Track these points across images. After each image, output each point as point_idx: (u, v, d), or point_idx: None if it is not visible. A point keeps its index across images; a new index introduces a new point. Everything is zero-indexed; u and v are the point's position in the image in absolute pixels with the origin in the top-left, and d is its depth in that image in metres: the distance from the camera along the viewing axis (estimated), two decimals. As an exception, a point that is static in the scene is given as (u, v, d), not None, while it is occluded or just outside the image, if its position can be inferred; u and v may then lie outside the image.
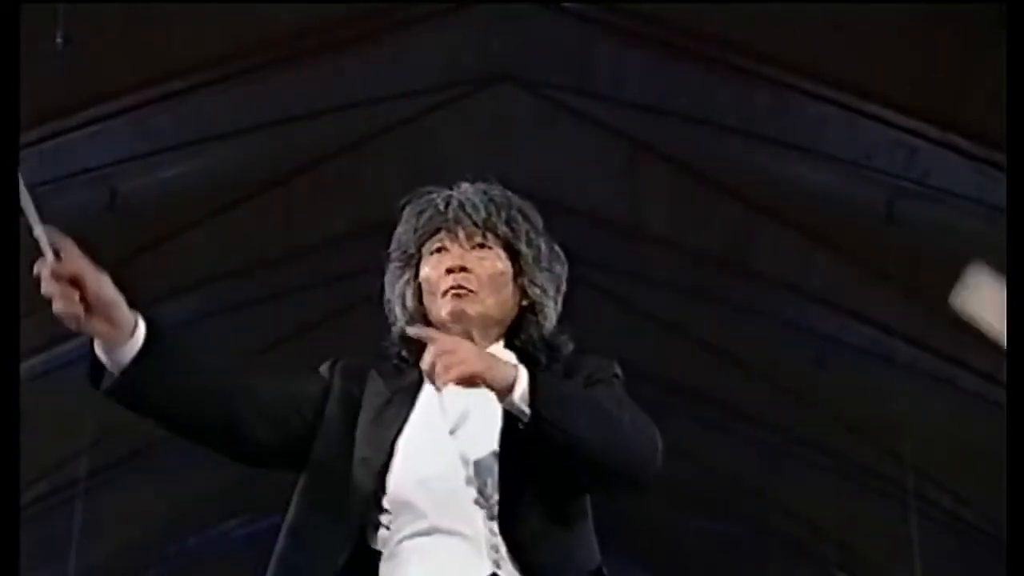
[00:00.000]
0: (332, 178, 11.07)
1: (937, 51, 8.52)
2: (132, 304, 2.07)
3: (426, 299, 2.37)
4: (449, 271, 2.33)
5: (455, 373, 2.06)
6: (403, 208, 2.46)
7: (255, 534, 17.57)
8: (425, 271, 2.37)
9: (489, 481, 2.19)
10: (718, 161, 10.75)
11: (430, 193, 2.42)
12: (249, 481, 15.84)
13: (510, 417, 2.16)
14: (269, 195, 11.01)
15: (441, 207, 2.38)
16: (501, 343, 2.36)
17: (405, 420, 2.25)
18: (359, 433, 2.25)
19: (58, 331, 12.46)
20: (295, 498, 2.30)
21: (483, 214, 2.36)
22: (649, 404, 2.34)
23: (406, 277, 2.40)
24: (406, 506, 2.18)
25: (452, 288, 2.32)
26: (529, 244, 2.38)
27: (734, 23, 8.92)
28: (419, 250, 2.40)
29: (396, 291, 2.41)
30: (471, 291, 2.32)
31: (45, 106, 8.37)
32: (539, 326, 2.37)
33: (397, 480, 2.19)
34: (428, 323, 2.35)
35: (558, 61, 10.18)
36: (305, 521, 2.24)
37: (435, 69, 10.25)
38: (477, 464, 2.20)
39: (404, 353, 2.36)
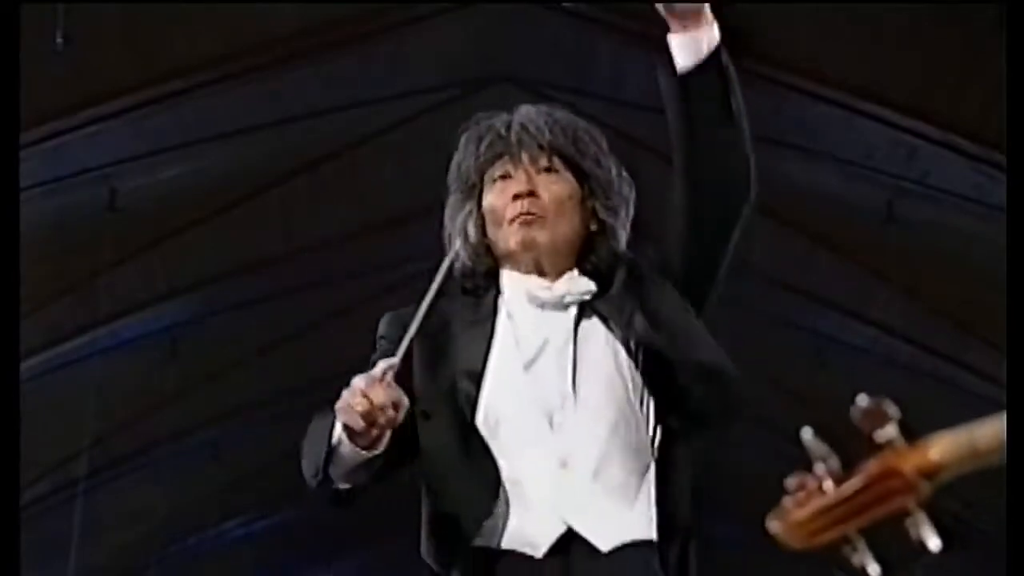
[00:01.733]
0: (332, 178, 11.07)
1: (937, 51, 8.52)
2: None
3: (490, 230, 2.25)
4: (516, 197, 2.20)
5: None
6: (461, 135, 2.32)
7: (255, 534, 17.59)
8: (489, 199, 2.24)
9: (564, 425, 2.11)
10: (718, 161, 10.74)
11: (488, 118, 2.29)
12: (249, 481, 15.86)
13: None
14: (269, 195, 11.00)
15: (502, 131, 2.24)
16: (575, 271, 2.26)
17: (488, 350, 2.17)
18: (451, 360, 2.17)
19: (58, 331, 12.37)
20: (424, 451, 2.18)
21: (548, 136, 2.23)
22: (649, 404, 2.34)
23: (468, 208, 2.26)
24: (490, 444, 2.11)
25: (520, 215, 2.20)
26: (598, 164, 2.28)
27: (734, 23, 8.91)
28: (480, 178, 2.26)
29: (458, 223, 2.27)
30: (540, 217, 2.20)
31: (45, 106, 8.36)
32: (610, 247, 2.28)
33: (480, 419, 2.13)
34: (491, 256, 2.26)
35: (558, 61, 10.17)
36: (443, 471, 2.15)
37: (435, 69, 10.25)
38: (553, 407, 2.12)
39: (473, 283, 2.27)
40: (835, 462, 1.29)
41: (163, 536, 15.87)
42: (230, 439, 14.70)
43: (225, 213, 10.87)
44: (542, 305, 2.21)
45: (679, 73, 2.14)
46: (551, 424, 2.10)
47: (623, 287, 2.26)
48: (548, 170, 2.23)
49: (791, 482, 1.31)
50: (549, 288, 2.21)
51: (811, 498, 1.29)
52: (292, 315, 12.83)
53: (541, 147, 2.22)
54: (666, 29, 2.16)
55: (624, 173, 2.38)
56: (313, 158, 10.80)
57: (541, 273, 2.24)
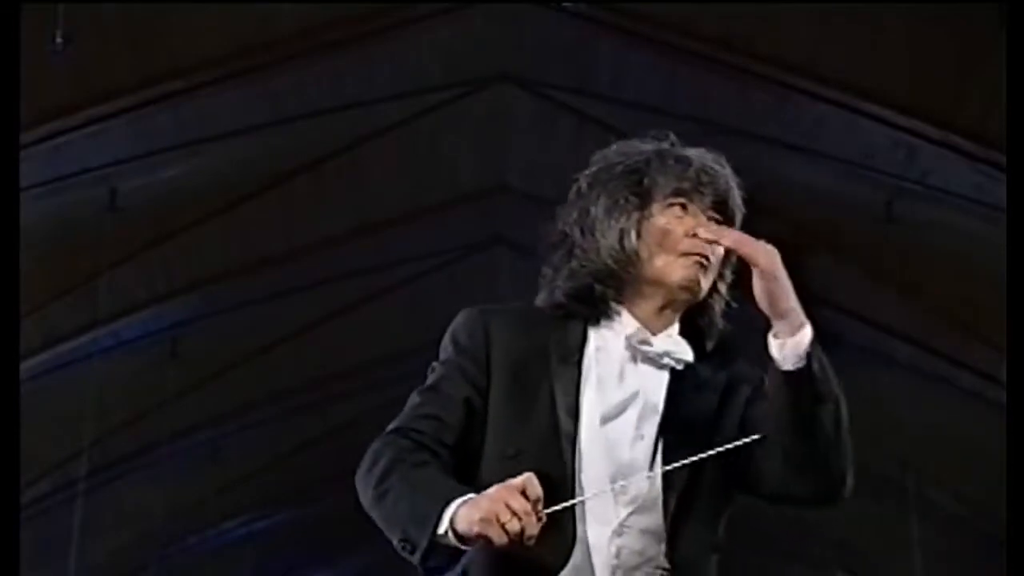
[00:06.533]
0: (332, 178, 11.07)
1: (937, 51, 8.52)
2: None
3: (650, 249, 2.19)
4: (698, 236, 2.18)
5: (767, 261, 2.05)
6: (631, 142, 2.35)
7: (254, 534, 17.59)
8: (665, 220, 2.20)
9: (629, 493, 2.08)
10: (718, 161, 10.74)
11: (666, 138, 2.35)
12: (249, 481, 15.86)
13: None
14: (269, 195, 11.01)
15: (699, 165, 2.25)
16: (676, 327, 2.24)
17: (579, 387, 2.12)
18: (546, 396, 2.11)
19: (58, 331, 12.34)
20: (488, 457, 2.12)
21: (734, 195, 2.27)
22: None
23: (636, 216, 2.19)
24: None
25: (700, 255, 2.18)
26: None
27: (734, 23, 8.92)
28: (651, 193, 2.22)
29: (615, 224, 2.20)
30: (708, 265, 2.20)
31: (45, 106, 8.37)
32: (716, 313, 2.27)
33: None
34: (633, 269, 2.19)
35: (558, 61, 10.17)
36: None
37: (435, 69, 10.25)
38: (623, 462, 2.10)
39: (570, 304, 2.19)
40: None
41: (163, 536, 15.87)
42: (230, 439, 14.70)
43: (225, 213, 10.87)
44: (635, 357, 2.17)
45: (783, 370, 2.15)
46: (615, 489, 2.07)
47: (719, 362, 2.27)
48: (717, 221, 2.24)
49: None
50: (650, 344, 2.17)
51: None
52: (292, 315, 12.83)
53: (722, 200, 2.25)
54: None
55: None
56: (313, 158, 10.80)
57: (649, 319, 2.20)
